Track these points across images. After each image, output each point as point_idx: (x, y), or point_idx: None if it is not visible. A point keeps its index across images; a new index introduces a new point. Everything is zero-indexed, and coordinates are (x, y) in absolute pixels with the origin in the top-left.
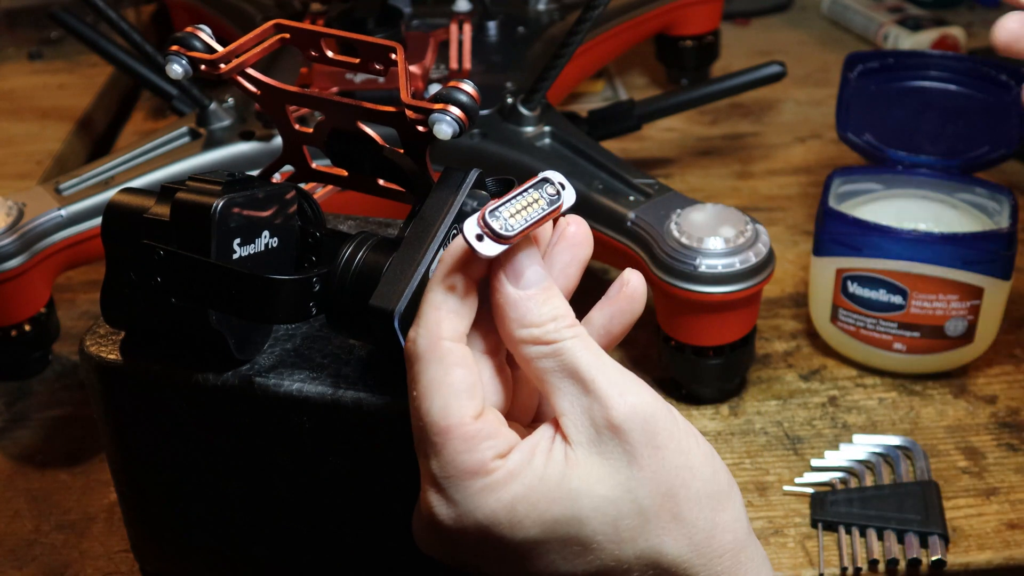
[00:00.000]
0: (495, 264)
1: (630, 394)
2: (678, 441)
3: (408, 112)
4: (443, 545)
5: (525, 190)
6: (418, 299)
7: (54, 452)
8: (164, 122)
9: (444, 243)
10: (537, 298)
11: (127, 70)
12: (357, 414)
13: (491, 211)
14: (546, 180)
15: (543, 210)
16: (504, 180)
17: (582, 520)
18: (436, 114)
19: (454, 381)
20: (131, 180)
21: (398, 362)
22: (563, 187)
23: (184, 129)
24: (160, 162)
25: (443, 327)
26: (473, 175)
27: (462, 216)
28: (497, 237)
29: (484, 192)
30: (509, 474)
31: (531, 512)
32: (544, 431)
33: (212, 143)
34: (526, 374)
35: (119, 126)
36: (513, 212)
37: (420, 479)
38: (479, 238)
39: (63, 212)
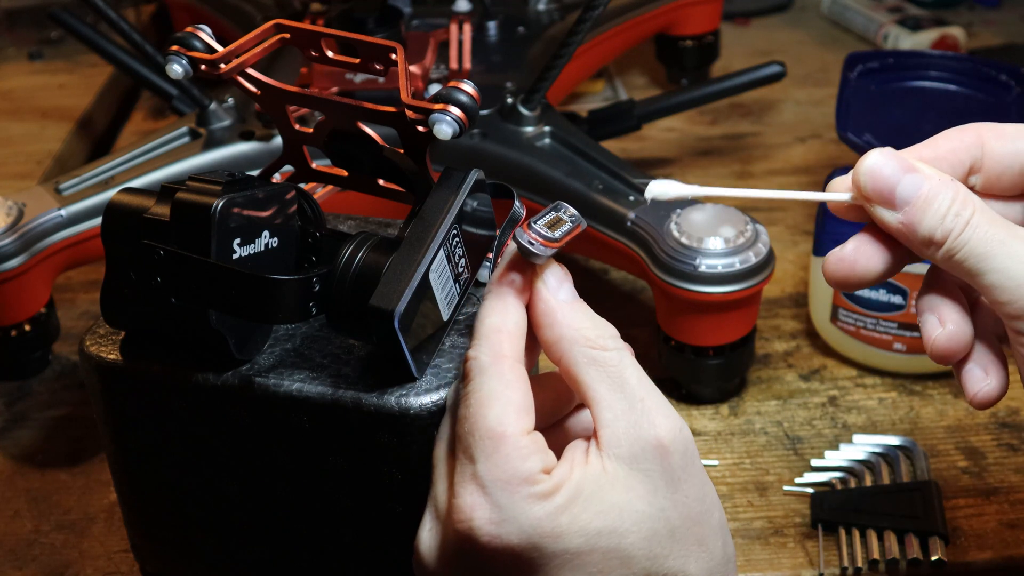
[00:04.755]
0: (537, 280)
1: (675, 418)
2: (702, 472)
3: (408, 112)
4: (467, 566)
5: (547, 212)
6: (418, 299)
7: (54, 452)
8: (164, 122)
9: (444, 243)
10: (583, 308)
11: (127, 70)
12: (357, 414)
13: (532, 223)
14: (561, 205)
15: (571, 226)
16: (500, 185)
17: (622, 533)
18: (436, 114)
19: (513, 396)
20: (131, 180)
21: (398, 362)
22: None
23: (184, 129)
24: (160, 162)
25: (504, 346)
26: (473, 175)
27: (462, 216)
28: (546, 241)
29: (484, 193)
30: (555, 486)
31: (574, 523)
32: (576, 447)
33: (212, 143)
34: (567, 381)
35: (119, 126)
36: (547, 225)
37: (435, 497)
38: (530, 243)
39: (63, 212)
